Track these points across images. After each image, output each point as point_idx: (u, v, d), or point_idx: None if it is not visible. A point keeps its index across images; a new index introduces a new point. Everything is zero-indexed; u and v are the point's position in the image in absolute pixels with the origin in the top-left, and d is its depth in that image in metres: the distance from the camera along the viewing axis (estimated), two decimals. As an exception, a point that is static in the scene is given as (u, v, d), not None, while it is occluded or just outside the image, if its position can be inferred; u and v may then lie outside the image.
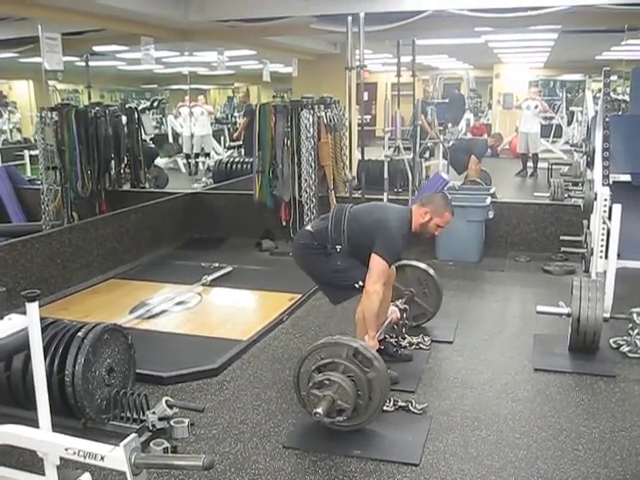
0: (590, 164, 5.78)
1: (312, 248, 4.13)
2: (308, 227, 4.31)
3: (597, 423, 3.62)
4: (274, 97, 16.02)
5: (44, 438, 2.36)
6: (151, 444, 3.07)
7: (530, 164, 13.05)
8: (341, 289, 4.17)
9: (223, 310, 5.85)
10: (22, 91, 14.55)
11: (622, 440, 3.44)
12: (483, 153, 10.72)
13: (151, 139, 12.31)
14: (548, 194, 8.47)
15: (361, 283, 3.95)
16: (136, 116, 8.31)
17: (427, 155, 10.91)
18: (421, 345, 4.66)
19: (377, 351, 4.06)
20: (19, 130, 14.96)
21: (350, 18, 6.69)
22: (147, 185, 8.62)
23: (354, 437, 3.48)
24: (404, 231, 3.99)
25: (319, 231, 4.12)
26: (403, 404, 3.78)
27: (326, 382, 3.34)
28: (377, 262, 3.84)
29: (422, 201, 4.13)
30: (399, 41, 8.32)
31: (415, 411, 3.75)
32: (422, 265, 4.94)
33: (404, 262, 4.85)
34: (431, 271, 4.91)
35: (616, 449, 3.35)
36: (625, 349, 4.53)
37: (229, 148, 14.21)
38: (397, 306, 4.47)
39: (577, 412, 3.76)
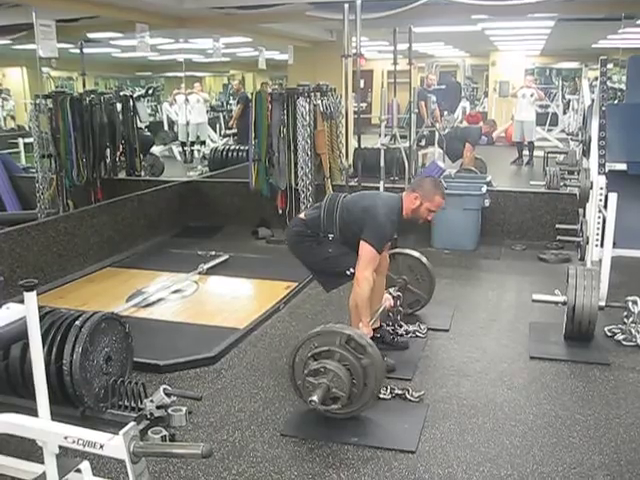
0: (586, 153, 5.79)
1: (305, 236, 4.16)
2: (301, 215, 4.33)
3: (592, 410, 3.65)
4: (262, 84, 15.97)
5: (43, 427, 2.36)
6: (149, 432, 3.06)
7: (526, 152, 13.05)
8: (332, 276, 4.20)
9: (220, 298, 5.86)
10: (16, 78, 14.45)
11: (616, 427, 3.47)
12: (477, 140, 10.71)
13: (146, 127, 12.29)
14: (544, 182, 8.49)
15: (352, 270, 3.97)
16: (131, 104, 8.27)
17: (423, 143, 10.90)
18: (417, 333, 4.68)
19: (373, 339, 4.08)
20: (13, 118, 14.87)
21: (347, 5, 6.65)
22: (143, 173, 8.59)
23: (351, 425, 3.50)
24: (393, 217, 3.99)
25: (312, 219, 4.15)
26: (400, 392, 3.80)
27: (321, 370, 3.36)
28: (366, 249, 3.86)
29: (412, 186, 4.16)
30: (396, 28, 8.29)
31: (412, 399, 3.77)
32: (413, 253, 4.95)
33: (395, 251, 4.87)
34: (423, 258, 4.92)
35: (610, 436, 3.38)
36: (620, 337, 4.56)
37: (225, 136, 14.17)
38: (390, 294, 4.49)
39: (572, 400, 3.79)
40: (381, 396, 3.72)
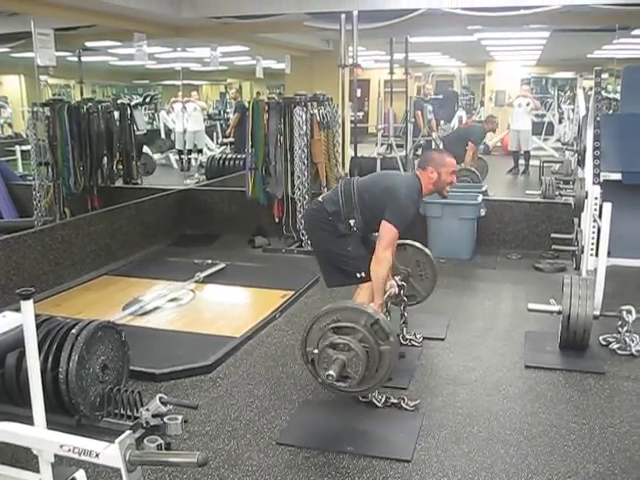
0: (581, 162, 5.81)
1: (324, 222, 4.12)
2: (319, 199, 4.30)
3: (587, 419, 3.66)
4: (258, 94, 16.01)
5: (39, 435, 2.36)
6: (145, 441, 3.08)
7: (522, 161, 13.09)
8: (341, 273, 4.20)
9: (216, 307, 5.86)
10: (13, 86, 14.46)
11: (611, 436, 3.48)
12: (480, 138, 10.72)
13: (144, 135, 12.32)
14: (539, 192, 8.51)
15: (363, 275, 4.01)
16: (129, 112, 8.30)
17: (420, 152, 10.94)
18: (413, 342, 4.69)
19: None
20: (10, 125, 14.88)
21: (343, 16, 6.71)
22: (140, 181, 8.60)
23: (347, 434, 3.51)
24: (414, 196, 4.03)
25: (331, 204, 4.10)
26: (395, 401, 3.80)
27: (342, 346, 3.29)
28: (387, 229, 3.89)
29: (421, 165, 4.17)
30: (392, 38, 8.36)
31: (407, 408, 3.77)
32: (424, 249, 4.85)
33: (407, 241, 4.79)
34: (432, 257, 4.83)
35: (605, 445, 3.39)
36: (614, 346, 4.57)
37: (222, 144, 14.19)
38: (396, 281, 4.44)
39: (567, 409, 3.80)
40: (376, 403, 3.74)
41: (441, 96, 14.56)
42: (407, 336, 4.71)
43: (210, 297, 6.10)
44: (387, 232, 3.90)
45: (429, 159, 4.16)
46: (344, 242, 4.09)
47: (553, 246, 5.99)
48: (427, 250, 4.86)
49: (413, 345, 4.67)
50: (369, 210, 4.02)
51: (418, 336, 4.75)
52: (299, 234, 7.22)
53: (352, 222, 4.04)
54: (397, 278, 4.50)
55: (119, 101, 9.03)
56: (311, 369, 3.50)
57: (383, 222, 3.91)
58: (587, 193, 4.99)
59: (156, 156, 13.13)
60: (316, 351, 3.39)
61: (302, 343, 3.51)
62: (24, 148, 10.61)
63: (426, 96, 12.23)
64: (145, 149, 11.46)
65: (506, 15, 6.90)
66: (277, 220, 7.41)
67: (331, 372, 3.21)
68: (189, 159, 12.72)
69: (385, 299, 4.17)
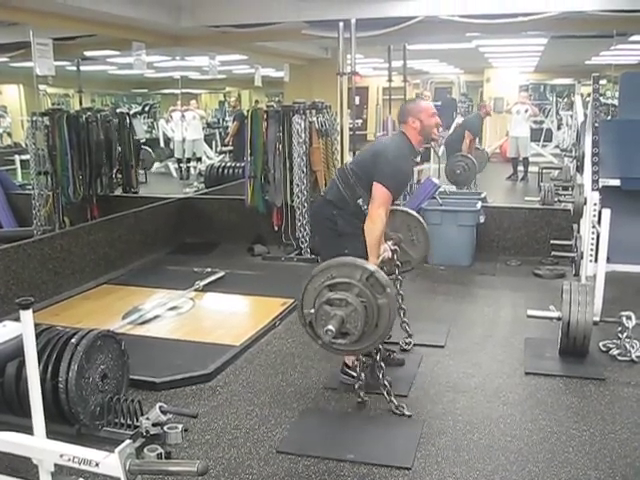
0: (580, 169, 5.82)
1: (329, 220, 4.07)
2: (322, 193, 4.32)
3: (587, 426, 3.66)
4: (256, 102, 16.05)
5: (39, 445, 2.36)
6: (145, 450, 3.07)
7: (521, 168, 13.12)
8: None
9: (216, 315, 5.86)
10: (13, 95, 14.52)
11: (612, 442, 3.48)
12: (476, 126, 10.78)
13: (143, 143, 12.35)
14: (538, 198, 8.52)
15: None
16: (128, 121, 8.32)
17: (418, 159, 10.94)
18: (402, 346, 4.69)
19: (368, 356, 4.09)
20: (9, 134, 14.93)
21: (342, 24, 6.72)
22: (139, 190, 8.61)
23: (347, 441, 3.51)
24: (404, 152, 4.01)
25: (334, 195, 4.07)
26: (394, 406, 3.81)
27: (339, 301, 3.28)
28: (378, 189, 3.86)
29: (401, 119, 4.10)
30: (390, 46, 8.37)
31: (397, 412, 3.79)
32: (413, 212, 4.84)
33: (396, 207, 4.74)
34: (422, 220, 4.80)
35: (606, 451, 3.39)
36: (614, 352, 4.57)
37: (220, 153, 14.22)
38: (389, 246, 4.41)
39: (567, 415, 3.80)
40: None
41: (439, 103, 14.60)
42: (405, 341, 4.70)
43: (210, 305, 6.10)
44: (378, 192, 3.86)
45: (405, 111, 4.08)
46: (342, 241, 4.02)
47: (552, 252, 6.00)
48: (415, 213, 4.82)
49: (404, 350, 4.67)
50: (367, 181, 3.96)
51: (407, 340, 4.74)
52: (298, 242, 7.22)
53: (360, 201, 3.98)
54: (389, 243, 4.46)
55: (118, 110, 9.05)
56: (310, 332, 3.48)
57: (374, 184, 3.87)
58: (586, 199, 5.00)
59: (155, 165, 13.16)
60: (312, 311, 3.36)
61: (299, 305, 3.48)
62: (23, 157, 10.63)
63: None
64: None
65: (504, 22, 6.92)
66: (276, 228, 7.41)
67: (330, 327, 3.20)
68: (188, 167, 12.75)
69: (379, 263, 4.13)
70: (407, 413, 3.79)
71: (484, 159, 10.53)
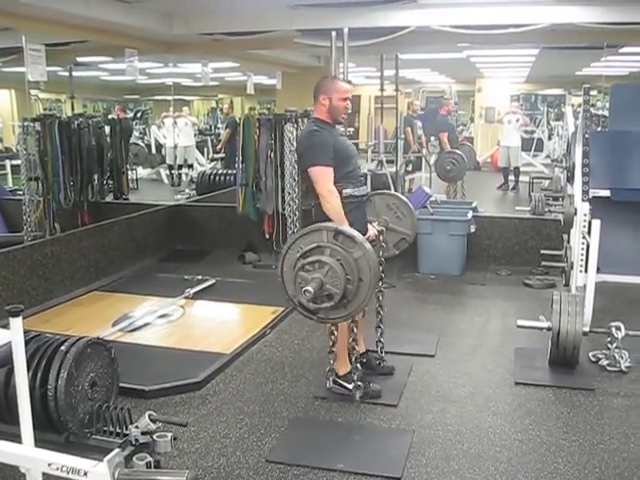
0: (570, 179, 5.85)
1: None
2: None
3: (576, 436, 3.67)
4: (251, 109, 16.05)
5: (27, 453, 2.35)
6: (134, 459, 3.05)
7: (511, 178, 13.17)
8: None
9: (206, 323, 5.85)
10: (4, 100, 14.47)
11: (601, 453, 3.48)
12: (440, 124, 10.92)
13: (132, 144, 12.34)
14: (529, 208, 8.56)
15: None
16: (119, 127, 8.30)
17: (410, 168, 11.00)
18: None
19: (359, 364, 4.10)
20: (0, 140, 14.87)
21: (334, 33, 6.73)
22: (130, 197, 8.59)
23: (337, 451, 3.51)
24: (312, 128, 3.96)
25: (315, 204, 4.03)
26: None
27: (315, 264, 3.27)
28: (312, 172, 3.84)
29: (314, 96, 4.07)
30: (382, 55, 8.39)
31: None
32: (388, 191, 4.82)
33: (369, 193, 4.65)
34: (399, 195, 4.79)
35: (595, 461, 3.39)
36: (604, 363, 4.59)
37: (212, 160, 14.20)
38: (373, 226, 4.36)
39: (557, 425, 3.81)
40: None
41: (422, 112, 14.67)
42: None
43: (200, 313, 6.09)
44: (313, 174, 3.83)
45: (320, 87, 4.04)
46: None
47: (543, 262, 6.02)
48: (391, 192, 4.80)
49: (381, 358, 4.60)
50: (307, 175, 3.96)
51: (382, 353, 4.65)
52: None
53: (344, 192, 3.93)
54: (375, 224, 4.42)
55: (110, 116, 9.03)
56: (302, 312, 3.48)
57: (308, 173, 3.86)
58: (576, 209, 5.03)
59: (147, 171, 13.13)
60: (293, 287, 3.36)
61: (283, 287, 3.49)
62: (14, 163, 10.60)
63: (414, 112, 12.33)
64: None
65: (495, 33, 6.96)
66: (267, 236, 7.39)
67: (308, 287, 3.19)
68: (180, 174, 12.73)
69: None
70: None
71: (472, 154, 10.64)
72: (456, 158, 10.09)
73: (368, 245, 3.40)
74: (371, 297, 3.54)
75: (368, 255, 3.33)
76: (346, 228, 3.39)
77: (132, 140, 11.82)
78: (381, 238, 4.41)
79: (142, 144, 12.35)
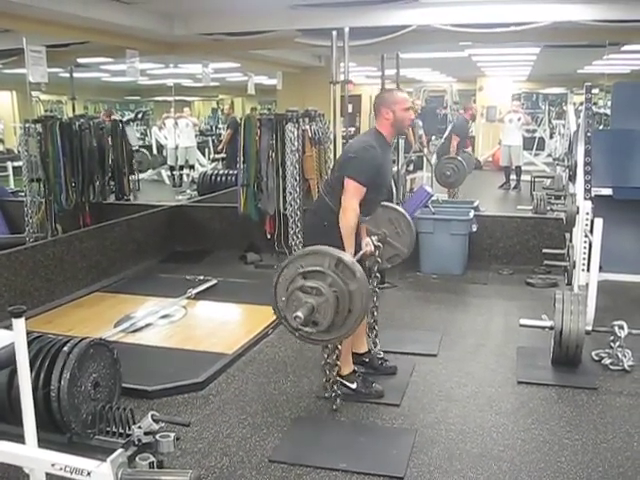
0: (572, 178, 5.84)
1: (320, 230, 4.01)
2: (312, 207, 4.30)
3: (579, 435, 3.66)
4: (253, 109, 16.06)
5: (30, 454, 2.35)
6: (137, 459, 3.06)
7: (513, 177, 13.16)
8: None
9: (208, 323, 5.85)
10: (5, 102, 14.48)
11: (604, 452, 3.48)
12: (461, 128, 10.91)
13: (135, 151, 12.34)
14: (531, 207, 8.56)
15: None
16: (120, 128, 8.30)
17: (411, 168, 10.98)
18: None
19: (361, 364, 4.09)
20: (2, 141, 14.89)
21: (335, 32, 6.72)
22: (132, 198, 8.59)
23: (340, 450, 3.50)
24: (371, 144, 3.94)
25: (320, 206, 4.06)
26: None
27: (311, 289, 3.29)
28: (347, 183, 3.84)
29: (375, 110, 4.09)
30: (383, 55, 8.37)
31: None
32: (393, 205, 4.81)
33: None
34: (403, 211, 4.79)
35: (598, 461, 3.39)
36: (607, 361, 4.58)
37: (213, 160, 14.21)
38: (372, 240, 4.39)
39: (560, 424, 3.80)
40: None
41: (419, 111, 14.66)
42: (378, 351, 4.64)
43: (202, 314, 6.08)
44: (349, 186, 3.83)
45: (381, 101, 4.07)
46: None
47: (545, 261, 6.01)
48: (395, 206, 4.81)
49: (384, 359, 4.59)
50: (341, 182, 3.92)
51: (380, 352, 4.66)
52: (291, 250, 7.21)
53: None
54: (374, 238, 4.44)
55: (111, 117, 9.02)
56: (285, 324, 3.52)
57: (345, 179, 3.86)
58: (578, 208, 5.02)
59: (148, 172, 13.14)
60: (284, 299, 3.40)
61: (272, 297, 3.54)
62: (16, 164, 10.59)
63: (414, 112, 12.33)
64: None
65: (496, 32, 6.96)
66: (269, 236, 7.39)
67: (299, 314, 3.22)
68: (181, 175, 12.73)
69: (360, 257, 4.11)
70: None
71: (472, 162, 10.67)
72: (456, 165, 10.11)
73: (365, 281, 3.42)
74: (357, 328, 3.60)
75: (363, 289, 3.37)
76: (349, 259, 3.41)
77: (133, 142, 11.90)
78: (377, 253, 4.44)
79: (146, 151, 12.35)
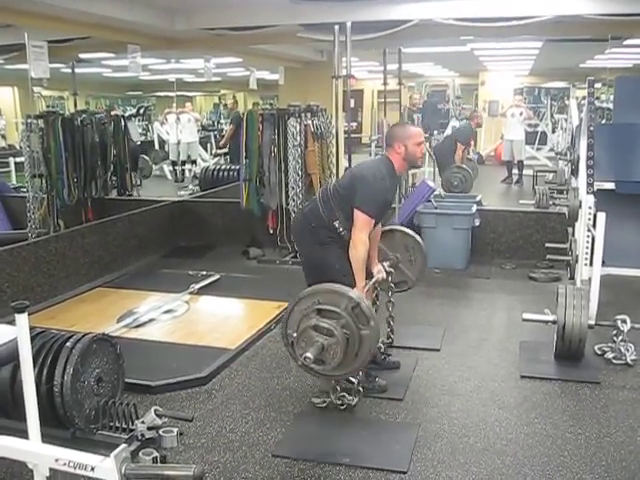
0: (575, 172, 5.84)
1: (307, 230, 4.07)
2: (305, 210, 4.28)
3: (582, 429, 3.66)
4: (255, 104, 16.05)
5: (34, 449, 2.35)
6: (140, 454, 3.06)
7: (515, 171, 13.13)
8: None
9: (211, 318, 5.85)
10: (7, 97, 14.49)
11: (607, 446, 3.48)
12: (467, 136, 10.88)
13: (139, 145, 12.35)
14: (533, 201, 8.54)
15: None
16: (122, 123, 8.29)
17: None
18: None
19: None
20: (4, 137, 14.90)
21: (337, 27, 6.72)
22: (134, 193, 8.59)
23: (343, 445, 3.50)
24: (383, 176, 3.96)
25: (313, 215, 4.06)
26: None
27: (324, 330, 3.31)
28: (358, 215, 3.86)
29: (388, 143, 4.11)
30: (385, 49, 8.38)
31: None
32: (411, 232, 4.80)
33: (395, 227, 4.81)
34: (420, 240, 4.78)
35: (601, 455, 3.39)
36: (610, 356, 4.58)
37: (215, 155, 14.21)
38: (384, 267, 4.39)
39: (563, 418, 3.80)
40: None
41: (421, 106, 14.66)
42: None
43: (205, 309, 6.09)
44: (359, 218, 3.86)
45: (393, 135, 4.08)
46: (329, 254, 3.98)
47: (547, 256, 6.01)
48: (413, 233, 4.81)
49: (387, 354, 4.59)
50: (347, 204, 3.95)
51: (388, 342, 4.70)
52: (293, 245, 7.21)
53: (337, 224, 3.96)
54: (386, 264, 4.45)
55: (113, 112, 9.03)
56: (290, 351, 3.53)
57: (354, 210, 3.87)
58: (581, 202, 5.01)
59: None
60: (295, 334, 3.41)
61: (283, 325, 3.54)
62: (18, 160, 10.59)
63: (414, 106, 12.33)
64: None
65: (498, 26, 6.94)
66: (271, 231, 7.41)
67: (308, 354, 3.25)
68: (183, 170, 12.71)
69: (373, 284, 4.17)
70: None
71: (475, 170, 10.68)
72: (464, 175, 10.24)
73: (377, 330, 3.45)
74: (358, 371, 3.70)
75: (373, 338, 3.40)
76: (365, 305, 3.41)
77: (135, 137, 11.91)
78: (389, 279, 4.45)
79: (147, 157, 12.35)
